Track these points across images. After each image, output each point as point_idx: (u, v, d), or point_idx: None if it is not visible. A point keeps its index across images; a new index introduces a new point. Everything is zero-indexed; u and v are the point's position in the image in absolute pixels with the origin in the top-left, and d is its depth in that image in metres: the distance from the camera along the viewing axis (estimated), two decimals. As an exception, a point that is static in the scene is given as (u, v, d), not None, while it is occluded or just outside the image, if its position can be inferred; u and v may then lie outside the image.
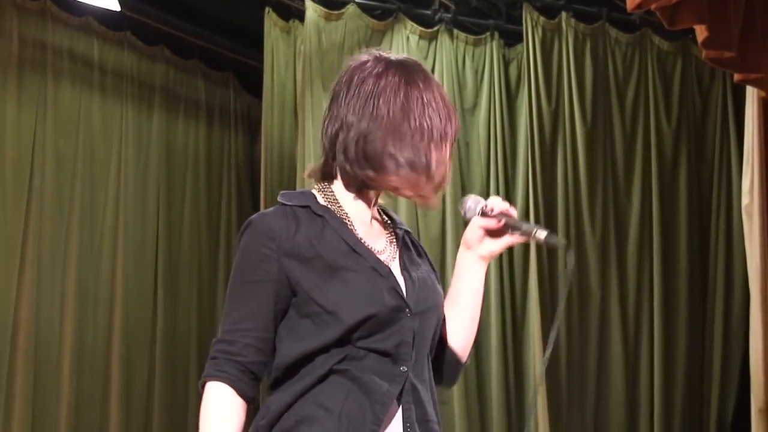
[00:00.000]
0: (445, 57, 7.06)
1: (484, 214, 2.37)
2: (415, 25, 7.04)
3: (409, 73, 2.27)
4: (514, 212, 2.37)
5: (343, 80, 2.29)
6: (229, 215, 8.15)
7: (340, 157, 2.25)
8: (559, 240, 2.50)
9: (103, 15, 7.08)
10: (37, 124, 6.84)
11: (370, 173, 2.23)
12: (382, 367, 2.17)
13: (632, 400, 6.75)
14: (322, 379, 2.16)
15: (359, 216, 2.31)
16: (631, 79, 7.08)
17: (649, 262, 6.85)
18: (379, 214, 2.39)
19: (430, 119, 2.24)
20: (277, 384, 2.21)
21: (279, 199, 2.31)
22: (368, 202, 2.33)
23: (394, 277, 2.24)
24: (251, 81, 8.01)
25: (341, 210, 2.28)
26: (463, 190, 6.92)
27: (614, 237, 6.83)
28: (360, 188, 2.29)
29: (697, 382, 6.87)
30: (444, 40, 7.10)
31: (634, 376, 6.77)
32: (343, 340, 2.15)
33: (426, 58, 7.04)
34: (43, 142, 6.88)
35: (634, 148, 6.99)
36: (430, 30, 7.10)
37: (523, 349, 6.84)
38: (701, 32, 4.66)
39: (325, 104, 2.35)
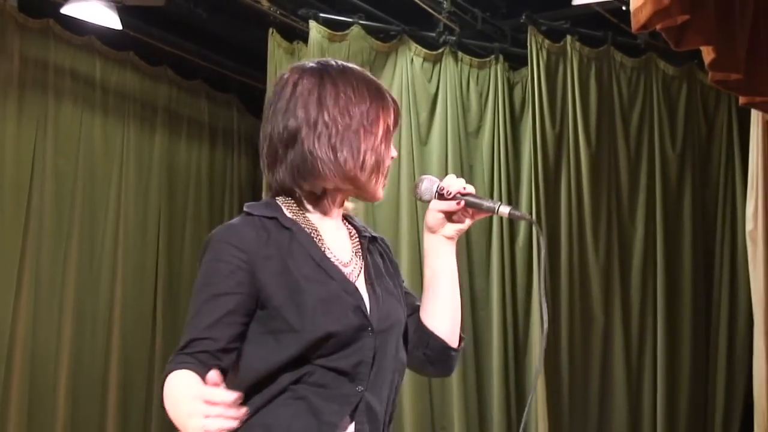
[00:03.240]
0: (450, 79, 7.03)
1: (441, 196, 2.29)
2: (419, 48, 7.02)
3: (321, 74, 2.24)
4: (472, 189, 2.30)
5: (269, 98, 2.28)
6: (230, 237, 8.07)
7: (282, 174, 2.23)
8: (524, 213, 2.45)
9: (106, 34, 7.05)
10: (37, 143, 6.80)
11: (312, 180, 2.20)
12: (338, 386, 2.12)
13: (635, 426, 6.67)
14: (272, 399, 2.11)
15: (324, 227, 2.25)
16: (636, 103, 7.05)
17: (652, 287, 6.79)
18: (345, 222, 2.33)
19: (348, 111, 2.20)
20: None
21: (245, 209, 2.25)
22: (331, 212, 2.28)
23: (360, 294, 2.19)
24: (255, 102, 7.96)
25: (308, 222, 2.24)
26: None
27: (618, 261, 6.77)
28: (317, 198, 2.25)
29: (700, 409, 6.79)
30: (448, 62, 7.06)
31: (636, 402, 6.70)
32: (302, 358, 2.10)
33: (430, 80, 7.02)
34: (43, 161, 6.83)
35: (638, 172, 6.95)
36: (434, 52, 7.07)
37: (525, 373, 6.77)
38: (708, 54, 4.59)
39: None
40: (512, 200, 6.97)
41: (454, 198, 2.28)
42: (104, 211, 7.24)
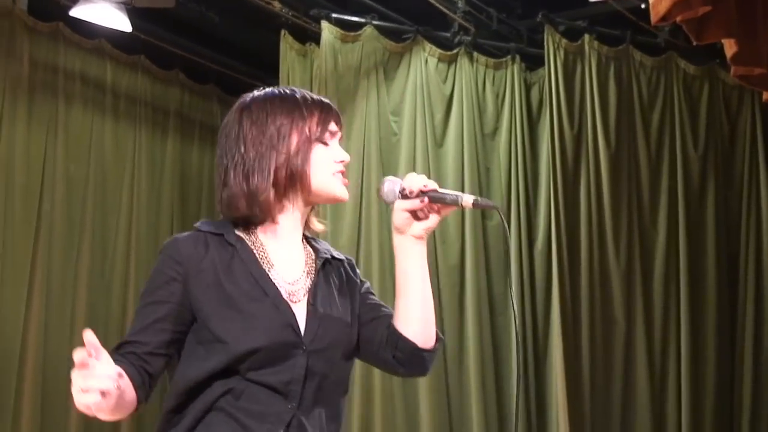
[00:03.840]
0: (465, 80, 6.90)
1: (404, 196, 2.30)
2: (433, 48, 6.89)
3: (242, 110, 2.32)
4: (434, 184, 2.30)
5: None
6: (243, 242, 7.99)
7: (221, 209, 2.32)
8: (489, 201, 2.40)
9: (116, 38, 6.97)
10: (47, 148, 6.72)
11: (235, 214, 2.28)
12: (270, 402, 2.17)
13: (659, 432, 6.53)
14: (204, 416, 2.17)
15: (275, 246, 2.31)
16: (656, 103, 6.90)
17: (675, 292, 6.63)
18: (304, 242, 2.38)
19: (260, 137, 2.27)
20: (169, 414, 2.22)
21: (195, 225, 2.33)
22: (285, 232, 2.33)
23: (293, 312, 2.23)
24: (268, 106, 7.86)
25: (257, 241, 2.30)
26: (484, 216, 6.76)
27: (639, 265, 6.62)
28: (270, 220, 2.31)
29: (726, 417, 6.63)
30: (464, 63, 6.93)
31: (660, 410, 6.54)
32: (229, 371, 2.16)
33: (445, 81, 6.90)
34: (54, 166, 6.75)
35: (659, 174, 6.80)
36: (449, 53, 6.95)
37: (545, 379, 6.62)
38: (730, 47, 4.46)
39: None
40: (530, 203, 6.85)
41: (417, 196, 2.29)
42: (116, 216, 7.16)
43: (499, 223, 6.73)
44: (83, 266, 6.87)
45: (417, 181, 2.29)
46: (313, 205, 2.37)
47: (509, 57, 7.06)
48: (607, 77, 6.80)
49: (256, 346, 2.14)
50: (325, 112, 2.34)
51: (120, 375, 1.94)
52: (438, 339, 2.37)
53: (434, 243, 6.59)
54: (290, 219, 2.32)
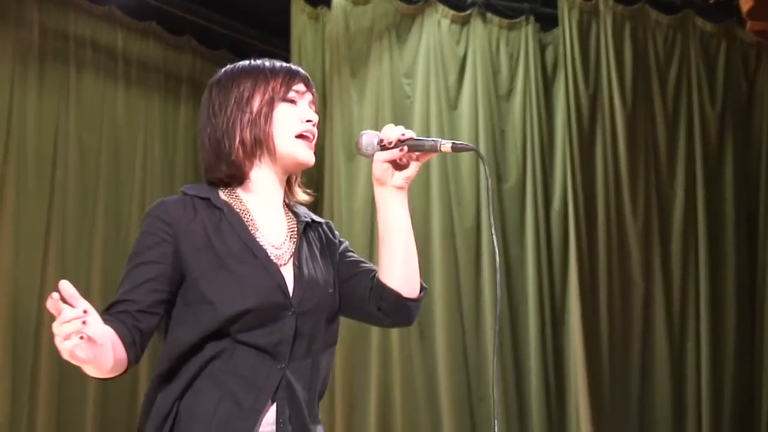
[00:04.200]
0: (479, 42, 6.82)
1: (383, 147, 2.35)
2: (446, 9, 6.82)
3: (211, 87, 2.40)
4: (411, 133, 2.35)
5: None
6: (258, 208, 7.98)
7: (217, 170, 2.37)
8: (467, 144, 2.42)
9: (127, 4, 6.96)
10: (59, 116, 6.68)
11: (211, 174, 2.36)
12: (259, 364, 2.20)
13: (679, 397, 6.49)
14: (194, 380, 2.20)
15: (259, 211, 2.36)
16: (672, 62, 6.83)
17: (694, 252, 6.59)
18: (286, 208, 2.43)
19: (226, 105, 2.34)
20: (159, 378, 2.24)
21: (181, 189, 2.37)
22: (268, 198, 2.38)
23: (281, 275, 2.28)
24: (280, 71, 7.80)
25: (241, 205, 2.35)
26: (499, 179, 6.71)
27: (657, 224, 6.58)
28: (251, 185, 2.37)
29: (746, 378, 6.60)
30: (477, 24, 6.86)
31: (680, 372, 6.51)
32: (221, 332, 2.19)
33: (458, 43, 6.83)
34: (66, 134, 6.71)
35: (677, 133, 6.74)
36: (462, 14, 6.87)
37: (563, 344, 6.58)
38: (746, 2, 4.43)
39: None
40: (546, 164, 6.79)
41: (396, 146, 2.34)
42: (130, 184, 7.12)
43: (514, 185, 6.69)
44: (98, 235, 6.84)
45: (394, 131, 2.34)
46: (289, 173, 2.42)
47: (523, 17, 6.98)
48: (622, 37, 6.72)
49: (247, 307, 2.18)
50: (291, 74, 2.39)
51: (86, 312, 1.92)
52: (422, 288, 2.41)
53: (450, 205, 6.55)
54: (267, 183, 2.37)
